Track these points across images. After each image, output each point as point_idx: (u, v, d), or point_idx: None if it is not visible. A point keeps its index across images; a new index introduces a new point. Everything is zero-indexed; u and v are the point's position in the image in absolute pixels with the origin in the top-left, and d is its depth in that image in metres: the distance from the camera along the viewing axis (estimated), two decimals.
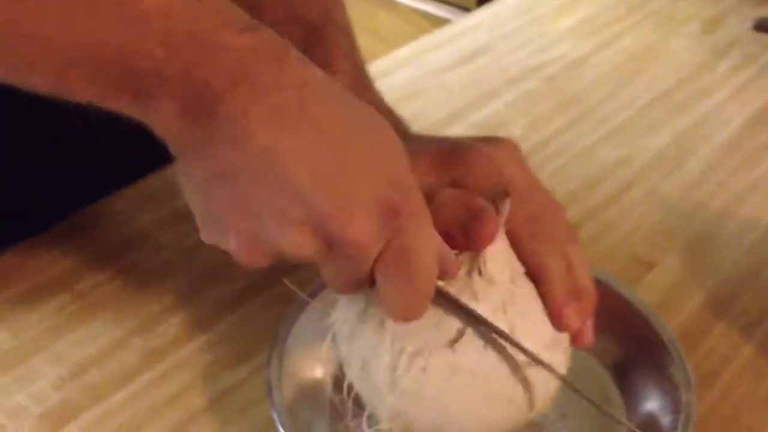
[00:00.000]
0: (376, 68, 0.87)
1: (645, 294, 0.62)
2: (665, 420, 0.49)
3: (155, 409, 0.53)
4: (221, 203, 0.38)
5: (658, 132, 0.80)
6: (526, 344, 0.42)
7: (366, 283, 0.39)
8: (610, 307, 0.50)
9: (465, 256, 0.42)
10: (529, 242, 0.45)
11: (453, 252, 0.41)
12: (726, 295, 0.62)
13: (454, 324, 0.41)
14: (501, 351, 0.42)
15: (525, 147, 0.77)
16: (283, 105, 0.36)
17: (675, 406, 0.49)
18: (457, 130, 0.80)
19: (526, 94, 0.85)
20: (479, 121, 0.81)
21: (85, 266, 0.63)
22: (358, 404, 0.45)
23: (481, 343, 0.41)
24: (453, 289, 0.41)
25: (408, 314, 0.39)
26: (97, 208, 0.68)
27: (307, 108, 0.36)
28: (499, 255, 0.43)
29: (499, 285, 0.43)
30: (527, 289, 0.44)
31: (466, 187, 0.44)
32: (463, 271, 0.42)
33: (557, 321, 0.44)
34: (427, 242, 0.38)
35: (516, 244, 0.45)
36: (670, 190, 0.73)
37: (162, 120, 0.36)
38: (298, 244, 0.37)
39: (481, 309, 0.41)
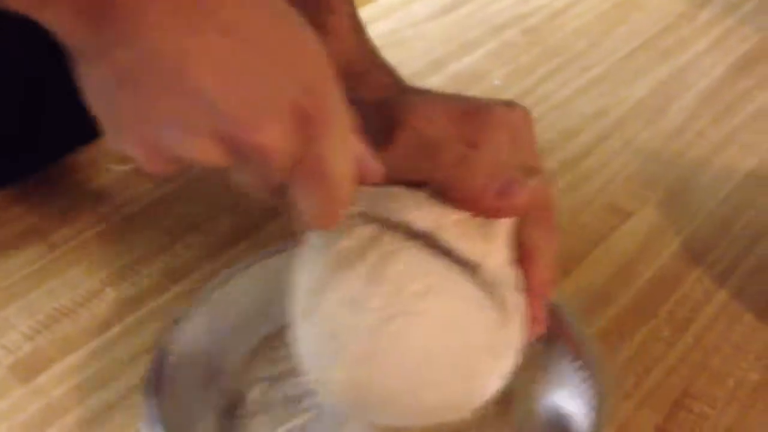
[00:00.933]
0: None
1: (622, 243, 0.62)
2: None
3: (130, 358, 0.53)
4: (123, 108, 0.36)
5: (638, 81, 0.80)
6: None
7: (282, 189, 0.38)
8: None
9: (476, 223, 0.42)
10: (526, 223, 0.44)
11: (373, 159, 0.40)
12: (701, 243, 0.62)
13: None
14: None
15: (504, 97, 0.76)
16: (186, 1, 0.34)
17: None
18: (436, 80, 0.79)
19: (506, 45, 0.85)
20: (459, 71, 0.81)
21: (58, 218, 0.62)
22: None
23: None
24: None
25: (323, 221, 0.38)
26: (70, 160, 0.68)
27: (213, 5, 0.34)
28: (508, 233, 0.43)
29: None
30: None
31: (480, 150, 0.43)
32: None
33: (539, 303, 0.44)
34: (341, 149, 0.37)
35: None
36: (649, 140, 0.72)
37: (58, 19, 0.35)
38: (201, 150, 0.35)
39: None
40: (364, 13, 0.87)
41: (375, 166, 0.40)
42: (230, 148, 0.35)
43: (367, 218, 0.41)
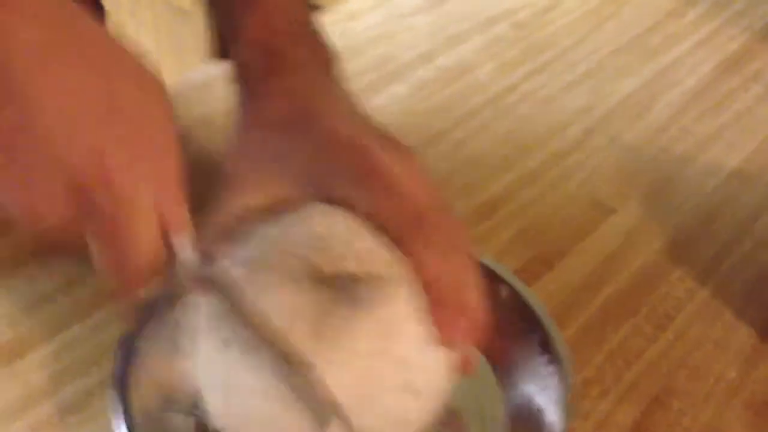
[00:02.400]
0: (343, 11, 0.87)
1: (605, 239, 0.62)
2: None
3: (109, 345, 0.52)
4: None
5: (625, 78, 0.80)
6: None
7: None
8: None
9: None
10: (418, 255, 0.40)
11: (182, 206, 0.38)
12: (684, 240, 0.62)
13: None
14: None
15: (491, 92, 0.77)
16: None
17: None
18: (424, 73, 0.79)
19: (494, 39, 0.85)
20: (446, 65, 0.80)
21: None
22: None
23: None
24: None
25: (124, 286, 0.37)
26: None
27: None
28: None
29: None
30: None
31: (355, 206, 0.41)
32: None
33: (441, 337, 0.40)
34: (131, 213, 0.35)
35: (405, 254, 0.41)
36: (634, 136, 0.73)
37: None
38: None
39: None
40: (352, 5, 0.88)
41: (179, 217, 0.38)
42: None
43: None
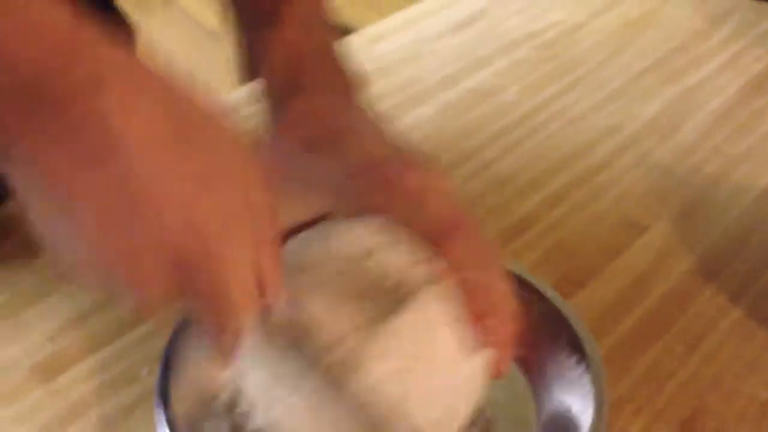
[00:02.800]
0: (369, 34, 0.88)
1: (635, 258, 0.63)
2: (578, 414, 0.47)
3: (148, 361, 0.53)
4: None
5: (652, 99, 0.80)
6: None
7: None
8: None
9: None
10: (455, 263, 0.42)
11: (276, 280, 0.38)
12: (716, 259, 0.63)
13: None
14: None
15: (517, 113, 0.78)
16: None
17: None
18: (450, 95, 0.80)
19: (520, 61, 0.85)
20: (473, 87, 0.81)
21: None
22: None
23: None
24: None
25: (220, 350, 0.37)
26: None
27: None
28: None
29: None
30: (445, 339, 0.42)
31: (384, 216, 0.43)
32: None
33: (478, 341, 0.42)
34: (229, 281, 0.35)
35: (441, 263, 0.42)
36: (663, 156, 0.73)
37: None
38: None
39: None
40: (377, 28, 0.89)
41: (274, 286, 0.38)
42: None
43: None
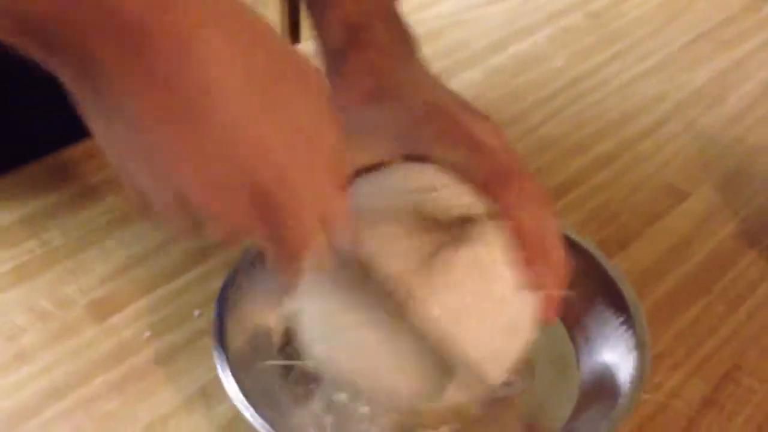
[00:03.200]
0: (415, 1, 0.89)
1: (677, 222, 0.63)
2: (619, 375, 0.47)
3: (196, 305, 0.55)
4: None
5: (699, 69, 0.80)
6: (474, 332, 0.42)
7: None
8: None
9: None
10: (511, 206, 0.43)
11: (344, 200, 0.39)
12: (757, 225, 0.63)
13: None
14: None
15: (564, 79, 0.79)
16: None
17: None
18: (497, 60, 0.81)
19: (568, 28, 0.86)
20: (519, 53, 0.82)
21: None
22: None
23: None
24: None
25: (284, 275, 0.39)
26: None
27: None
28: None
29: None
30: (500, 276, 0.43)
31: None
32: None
33: (531, 281, 0.43)
34: (302, 213, 0.37)
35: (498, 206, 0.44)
36: (708, 125, 0.73)
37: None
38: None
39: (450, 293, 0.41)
40: None
41: (344, 234, 0.40)
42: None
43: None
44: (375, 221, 0.41)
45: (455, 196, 0.43)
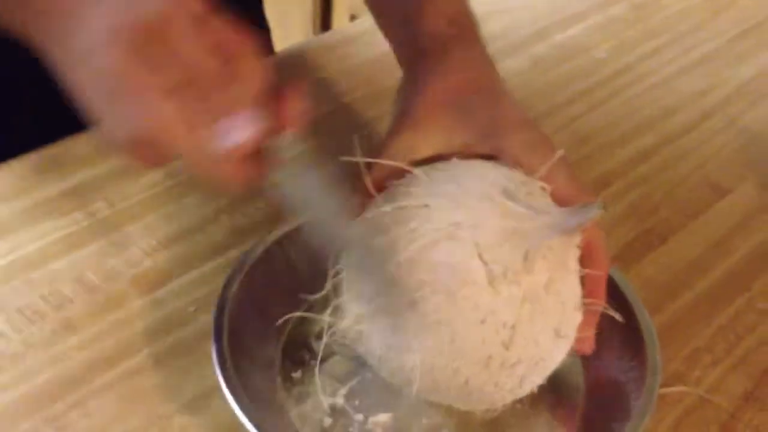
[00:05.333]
0: None
1: (719, 218, 0.63)
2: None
3: None
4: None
5: (743, 65, 0.80)
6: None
7: None
8: None
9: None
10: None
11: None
12: None
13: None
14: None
15: (607, 71, 0.78)
16: None
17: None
18: (540, 49, 0.80)
19: (612, 19, 0.85)
20: (563, 42, 0.82)
21: None
22: None
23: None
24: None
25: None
26: None
27: None
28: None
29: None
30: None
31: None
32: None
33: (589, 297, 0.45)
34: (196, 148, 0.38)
35: None
36: (752, 122, 0.73)
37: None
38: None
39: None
40: None
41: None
42: None
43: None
44: (466, 198, 0.42)
45: (539, 192, 0.43)
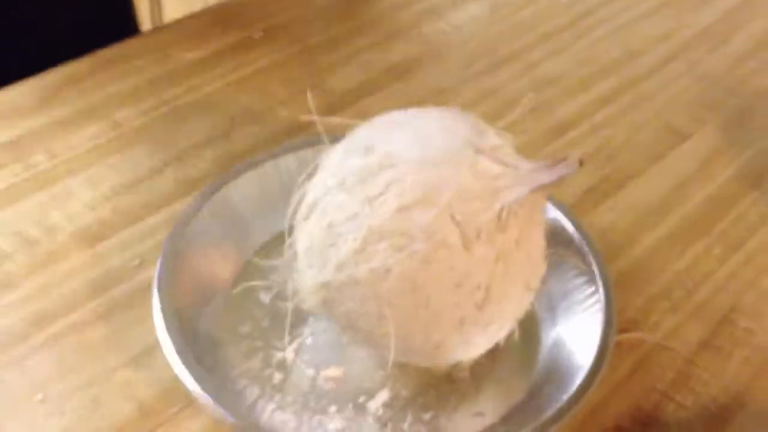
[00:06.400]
0: None
1: (678, 163, 0.62)
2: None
3: None
4: None
5: (705, 8, 0.78)
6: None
7: None
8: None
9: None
10: None
11: None
12: (759, 168, 0.62)
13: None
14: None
15: (568, 16, 0.77)
16: None
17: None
18: None
19: None
20: None
21: (124, 97, 0.63)
22: None
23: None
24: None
25: None
26: (137, 44, 0.68)
27: None
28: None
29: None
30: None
31: None
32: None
33: None
34: None
35: None
36: (713, 65, 0.72)
37: None
38: None
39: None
40: None
41: None
42: None
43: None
44: (435, 155, 0.39)
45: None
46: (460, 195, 0.38)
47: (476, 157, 0.39)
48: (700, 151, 0.63)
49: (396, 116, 0.43)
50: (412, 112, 0.43)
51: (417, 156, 0.39)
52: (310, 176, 0.42)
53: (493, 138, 0.41)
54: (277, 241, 0.48)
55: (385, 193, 0.38)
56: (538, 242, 0.41)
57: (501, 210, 0.38)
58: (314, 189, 0.41)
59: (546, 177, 0.39)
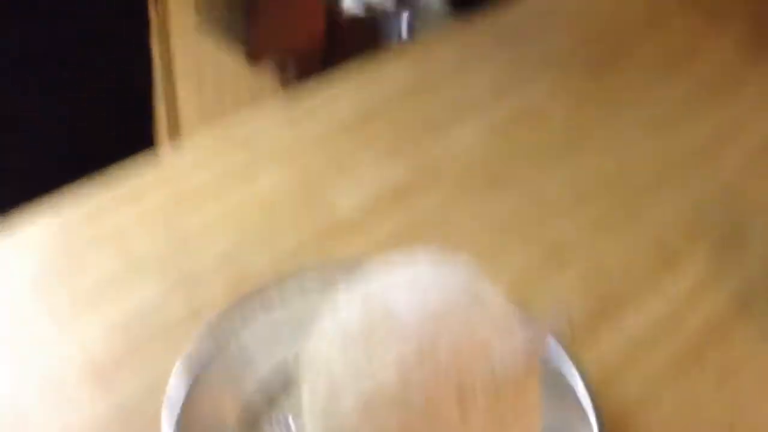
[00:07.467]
0: None
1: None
2: None
3: None
4: None
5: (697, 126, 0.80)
6: None
7: None
8: None
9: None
10: None
11: None
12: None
13: None
14: None
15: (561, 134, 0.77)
16: None
17: None
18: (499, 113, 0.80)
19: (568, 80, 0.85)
20: (517, 105, 0.81)
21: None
22: None
23: None
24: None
25: None
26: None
27: None
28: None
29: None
30: None
31: None
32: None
33: None
34: None
35: None
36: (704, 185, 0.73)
37: None
38: None
39: None
40: None
41: None
42: None
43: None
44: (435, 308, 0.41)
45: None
46: (456, 352, 0.40)
47: (473, 316, 0.41)
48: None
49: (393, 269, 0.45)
50: (407, 265, 0.44)
51: (415, 309, 0.41)
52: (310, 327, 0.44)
53: (489, 291, 0.43)
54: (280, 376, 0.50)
55: (385, 352, 0.40)
56: (534, 400, 0.42)
57: (495, 370, 0.40)
58: (315, 342, 0.43)
59: (539, 344, 0.40)
